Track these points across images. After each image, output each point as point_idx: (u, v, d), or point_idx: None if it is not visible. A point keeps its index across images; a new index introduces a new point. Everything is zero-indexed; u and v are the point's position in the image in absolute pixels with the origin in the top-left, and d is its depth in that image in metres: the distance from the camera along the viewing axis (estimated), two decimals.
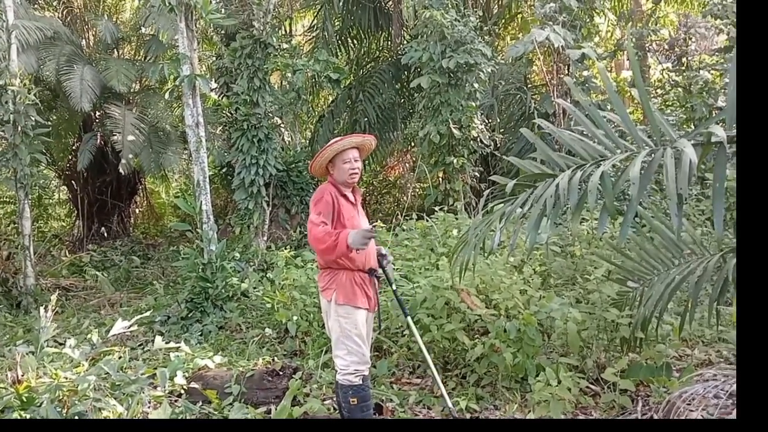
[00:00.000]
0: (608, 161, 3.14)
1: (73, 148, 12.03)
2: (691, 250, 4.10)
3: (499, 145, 9.14)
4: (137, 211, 14.38)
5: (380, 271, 4.07)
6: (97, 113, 11.50)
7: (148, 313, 5.29)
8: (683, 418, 3.94)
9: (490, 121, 9.48)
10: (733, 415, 3.86)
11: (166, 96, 8.36)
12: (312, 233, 3.72)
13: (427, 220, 6.88)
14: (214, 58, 11.76)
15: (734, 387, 3.66)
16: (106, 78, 10.18)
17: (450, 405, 3.97)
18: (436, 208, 7.37)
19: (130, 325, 4.51)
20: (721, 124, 2.97)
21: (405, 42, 10.72)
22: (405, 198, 10.77)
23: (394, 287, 4.15)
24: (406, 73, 11.43)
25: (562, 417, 3.84)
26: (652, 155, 2.96)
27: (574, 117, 3.63)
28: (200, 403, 4.42)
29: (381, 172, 13.83)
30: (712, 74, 8.51)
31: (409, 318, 4.12)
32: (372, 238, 3.73)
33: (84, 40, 12.16)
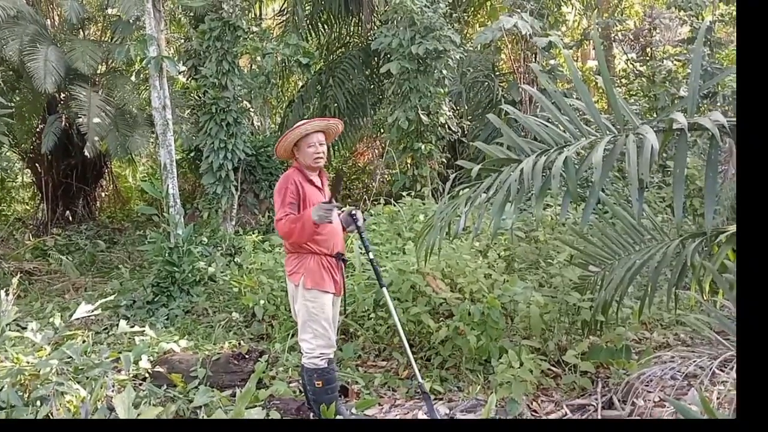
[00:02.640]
0: (572, 147, 3.20)
1: (37, 130, 11.75)
2: (651, 235, 4.20)
3: (466, 131, 9.21)
4: (103, 195, 14.14)
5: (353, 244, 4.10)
6: (62, 95, 11.23)
7: (112, 297, 5.22)
8: (641, 399, 4.06)
9: (458, 108, 9.53)
10: (688, 395, 3.99)
11: (133, 78, 8.22)
12: (279, 229, 3.78)
13: (395, 206, 6.92)
14: (182, 41, 11.58)
15: (690, 368, 3.77)
16: (71, 59, 9.94)
17: (421, 381, 3.97)
18: (404, 194, 7.41)
19: (94, 309, 4.47)
20: (682, 112, 3.04)
21: (375, 28, 10.69)
22: (374, 184, 10.80)
23: (370, 255, 4.14)
24: (376, 59, 11.40)
25: (524, 398, 3.92)
26: (615, 141, 3.03)
27: (540, 103, 3.68)
28: (165, 387, 4.41)
29: (350, 158, 13.82)
30: (675, 65, 8.67)
31: (384, 289, 4.11)
32: (331, 209, 3.70)
33: (48, 20, 11.86)
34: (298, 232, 3.69)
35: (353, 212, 4.10)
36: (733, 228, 3.58)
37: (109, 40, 11.63)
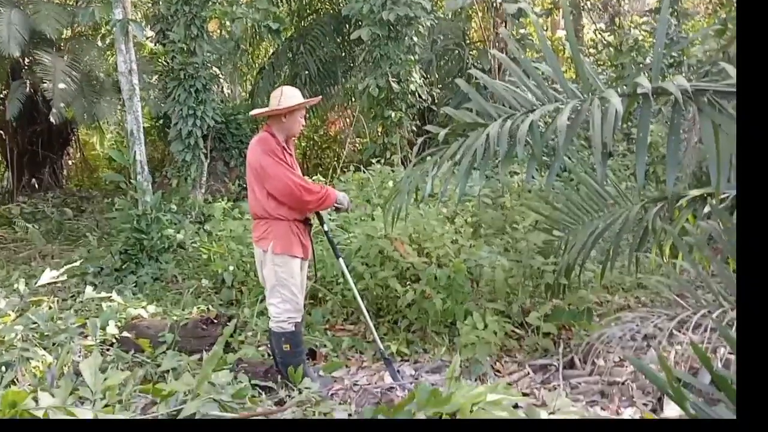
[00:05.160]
0: (537, 111, 3.23)
1: (1, 96, 11.47)
2: (614, 201, 4.28)
3: (436, 100, 9.21)
4: (70, 162, 13.90)
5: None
6: (26, 60, 10.94)
7: (77, 263, 5.18)
8: (602, 359, 4.17)
9: (428, 76, 9.51)
10: (647, 356, 4.11)
11: (100, 43, 8.03)
12: (297, 181, 3.79)
13: (365, 173, 6.93)
14: (150, 4, 11.33)
15: (650, 329, 3.87)
16: (36, 22, 9.65)
17: (381, 347, 4.11)
18: (374, 161, 7.43)
19: (59, 275, 4.44)
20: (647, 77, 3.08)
21: None
22: (344, 152, 10.78)
23: (325, 227, 4.21)
24: (347, 26, 11.28)
25: (488, 359, 4.00)
26: (581, 106, 3.06)
27: (508, 68, 3.69)
28: (133, 352, 4.40)
29: (322, 127, 13.73)
30: (642, 34, 8.73)
31: (341, 260, 4.19)
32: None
33: None
34: (316, 202, 3.85)
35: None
36: (694, 192, 3.67)
37: (75, 3, 11.32)
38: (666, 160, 2.94)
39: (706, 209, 3.45)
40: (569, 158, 7.42)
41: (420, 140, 4.15)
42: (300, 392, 3.71)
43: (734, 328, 2.66)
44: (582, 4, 9.89)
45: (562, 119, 2.91)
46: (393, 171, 6.85)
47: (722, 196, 3.36)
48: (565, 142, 2.98)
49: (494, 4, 8.20)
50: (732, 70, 3.04)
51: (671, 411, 3.25)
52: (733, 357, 3.14)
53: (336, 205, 3.98)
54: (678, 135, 2.95)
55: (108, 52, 11.01)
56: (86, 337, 4.42)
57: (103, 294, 4.72)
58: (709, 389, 2.33)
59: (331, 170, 9.07)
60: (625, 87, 3.14)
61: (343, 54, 11.72)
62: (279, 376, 4.00)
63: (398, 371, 4.03)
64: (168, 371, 4.04)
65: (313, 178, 6.96)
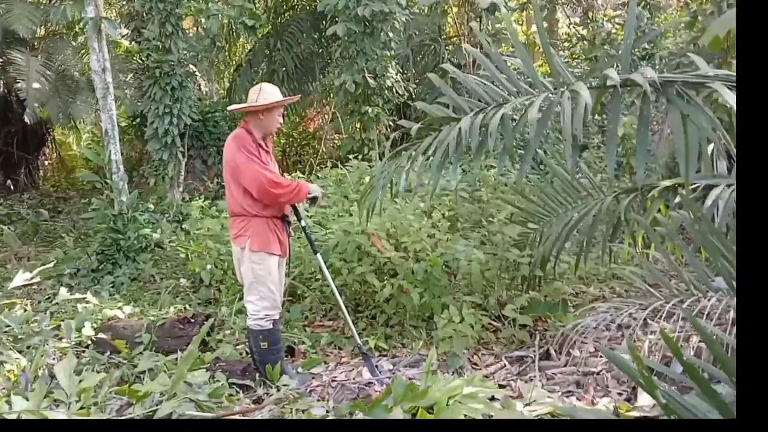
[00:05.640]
0: (508, 104, 3.25)
1: None
2: (588, 193, 4.31)
3: (413, 95, 9.21)
4: (47, 163, 13.73)
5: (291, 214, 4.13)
6: (0, 60, 10.80)
7: (51, 265, 5.12)
8: (577, 349, 4.21)
9: (405, 71, 9.51)
10: (622, 345, 4.15)
11: (74, 42, 7.93)
12: (267, 184, 3.76)
13: (342, 169, 6.93)
14: (124, 2, 11.20)
15: (625, 319, 3.91)
16: (9, 22, 9.49)
17: (359, 342, 4.12)
18: (351, 157, 7.42)
19: (32, 277, 4.39)
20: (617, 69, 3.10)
21: None
22: (323, 149, 10.75)
23: (302, 223, 4.21)
24: (324, 22, 11.24)
25: (465, 351, 4.02)
26: (552, 99, 3.08)
27: (481, 63, 3.71)
28: (109, 353, 4.36)
29: (300, 124, 13.68)
30: (615, 28, 8.79)
31: (319, 256, 4.18)
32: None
33: None
34: (288, 194, 3.84)
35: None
36: (665, 183, 3.71)
37: (48, 2, 11.16)
38: (636, 152, 2.96)
39: (677, 199, 3.48)
40: (545, 152, 7.49)
41: (393, 135, 4.15)
42: (278, 390, 3.72)
43: (704, 317, 2.71)
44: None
45: (532, 112, 2.93)
46: (371, 167, 6.84)
47: (692, 186, 3.40)
48: (536, 135, 3.00)
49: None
50: (701, 62, 3.07)
51: (645, 400, 3.29)
52: (704, 345, 3.18)
53: (309, 196, 3.97)
54: (647, 126, 2.97)
55: (83, 51, 10.87)
56: (61, 339, 4.38)
57: (78, 295, 4.66)
58: (681, 378, 2.36)
59: (307, 167, 9.05)
60: (596, 81, 3.16)
61: (321, 50, 11.68)
62: (257, 374, 3.99)
63: (376, 366, 4.05)
64: (144, 372, 4.02)
65: (293, 175, 6.92)
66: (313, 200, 4.10)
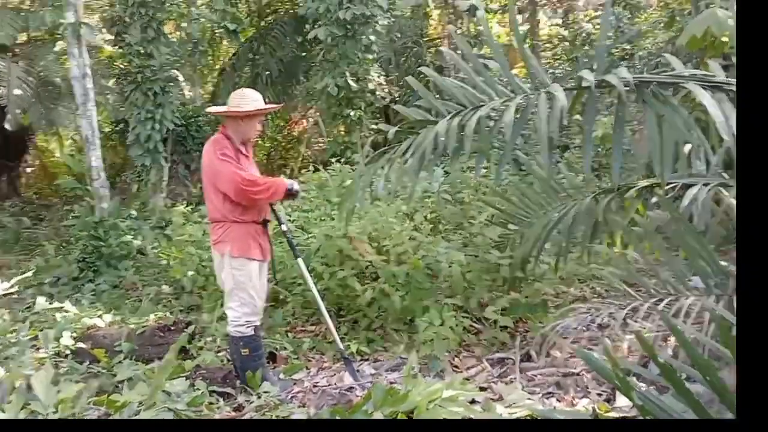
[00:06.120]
0: (485, 107, 3.25)
1: None
2: (567, 194, 4.32)
3: (396, 98, 9.22)
4: (29, 170, 13.62)
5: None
6: None
7: (29, 274, 5.06)
8: (557, 350, 4.21)
9: (388, 74, 9.52)
10: (600, 348, 4.16)
11: (56, 48, 7.88)
12: (242, 175, 3.73)
13: (324, 173, 6.91)
14: (106, 7, 11.13)
15: (605, 319, 3.91)
16: None
17: (341, 347, 4.09)
18: (333, 161, 7.40)
19: (9, 287, 4.34)
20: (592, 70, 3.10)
21: None
22: (308, 152, 10.72)
23: (283, 227, 4.17)
24: (307, 26, 11.24)
25: (446, 354, 4.01)
26: (528, 101, 3.08)
27: (458, 66, 3.70)
28: (88, 363, 4.31)
29: (285, 128, 13.65)
30: (596, 29, 8.84)
31: (300, 260, 4.15)
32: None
33: None
34: (265, 192, 3.77)
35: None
36: (642, 183, 3.72)
37: (29, 9, 11.08)
38: (612, 152, 2.96)
39: (655, 199, 3.49)
40: (526, 154, 7.49)
41: (371, 138, 4.15)
42: (259, 397, 3.69)
43: (682, 315, 2.71)
44: (538, 0, 9.99)
45: (508, 115, 2.92)
46: (353, 170, 6.82)
47: (670, 186, 3.41)
48: (512, 137, 2.99)
49: (449, 2, 8.23)
50: (676, 62, 3.08)
51: (624, 400, 3.29)
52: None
53: (293, 190, 3.88)
54: (623, 127, 2.97)
55: (64, 57, 10.78)
56: (38, 349, 4.33)
57: (56, 304, 4.62)
58: (659, 378, 2.36)
59: (289, 171, 9.03)
60: (571, 82, 3.16)
61: (304, 54, 11.67)
62: (238, 381, 3.96)
63: (358, 370, 4.02)
64: (124, 381, 3.98)
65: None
66: (293, 195, 4.05)
